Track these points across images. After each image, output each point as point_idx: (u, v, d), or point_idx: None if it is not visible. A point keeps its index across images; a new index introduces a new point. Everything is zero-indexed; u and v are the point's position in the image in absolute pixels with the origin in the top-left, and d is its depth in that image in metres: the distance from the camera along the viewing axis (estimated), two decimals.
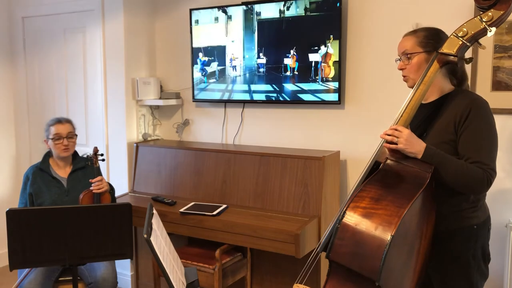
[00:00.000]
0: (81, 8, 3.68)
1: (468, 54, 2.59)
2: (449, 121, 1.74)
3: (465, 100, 1.74)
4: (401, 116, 1.74)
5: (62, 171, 2.83)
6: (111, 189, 2.88)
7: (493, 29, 1.63)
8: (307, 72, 3.05)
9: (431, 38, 1.79)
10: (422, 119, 1.84)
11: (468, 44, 1.67)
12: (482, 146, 1.70)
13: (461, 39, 1.66)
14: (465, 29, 1.66)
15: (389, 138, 1.69)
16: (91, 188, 2.72)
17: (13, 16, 4.10)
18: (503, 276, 2.58)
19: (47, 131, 2.77)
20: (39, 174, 2.79)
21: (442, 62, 1.70)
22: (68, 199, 2.76)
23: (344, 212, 1.54)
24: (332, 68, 2.96)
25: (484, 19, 1.63)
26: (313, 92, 3.04)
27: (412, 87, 1.80)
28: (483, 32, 1.65)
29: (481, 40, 1.72)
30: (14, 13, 4.10)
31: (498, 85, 2.58)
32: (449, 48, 1.68)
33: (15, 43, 4.13)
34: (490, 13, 1.62)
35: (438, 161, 1.66)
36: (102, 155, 2.87)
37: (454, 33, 1.68)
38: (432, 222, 1.73)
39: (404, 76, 1.87)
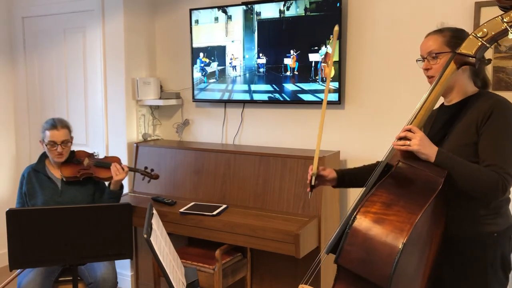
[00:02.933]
0: (81, 8, 3.68)
1: None
2: (471, 122, 1.68)
3: (488, 101, 1.68)
4: (415, 117, 1.67)
5: (57, 172, 2.82)
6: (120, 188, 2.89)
7: None
8: (307, 72, 3.05)
9: (458, 38, 1.70)
10: (444, 121, 1.78)
11: (487, 45, 1.60)
12: (500, 148, 1.62)
13: (480, 39, 1.59)
14: (485, 30, 1.59)
15: (401, 142, 1.63)
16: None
17: (13, 16, 4.10)
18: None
19: (43, 134, 2.77)
20: (34, 175, 2.79)
21: (459, 62, 1.64)
22: (61, 199, 2.75)
23: (355, 217, 1.50)
24: (332, 68, 2.96)
25: (505, 20, 1.56)
26: (313, 92, 3.04)
27: None
28: (504, 33, 1.58)
29: None
30: (14, 13, 4.10)
31: (498, 85, 2.58)
32: (467, 48, 1.61)
33: (15, 43, 4.13)
34: None
35: (451, 164, 1.60)
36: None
37: (473, 33, 1.62)
38: (442, 227, 1.68)
39: (430, 77, 1.78)
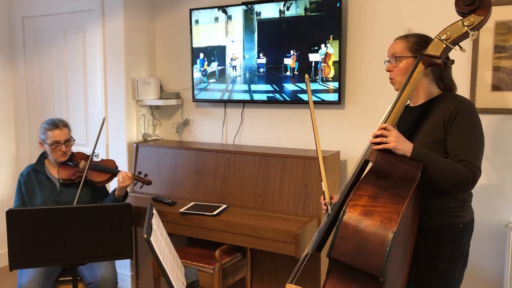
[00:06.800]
0: (81, 8, 3.68)
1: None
2: (438, 121, 1.81)
3: (453, 102, 1.81)
4: (389, 116, 1.79)
5: (56, 172, 2.82)
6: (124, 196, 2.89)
7: (475, 33, 1.70)
8: (307, 72, 3.05)
9: (421, 45, 1.85)
10: (412, 121, 1.90)
11: (451, 46, 1.74)
12: (468, 145, 1.76)
13: (445, 42, 1.73)
14: (448, 33, 1.73)
15: (378, 140, 1.73)
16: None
17: (13, 16, 4.11)
18: (503, 276, 2.58)
19: (44, 135, 2.76)
20: (33, 174, 2.79)
21: (427, 63, 1.76)
22: (59, 199, 2.75)
23: (344, 211, 1.56)
24: (332, 68, 2.96)
25: (465, 24, 1.70)
26: (313, 92, 3.04)
27: (398, 90, 1.86)
28: (465, 36, 1.72)
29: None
30: (14, 13, 4.10)
31: (498, 85, 2.58)
32: (433, 50, 1.74)
33: (15, 43, 4.13)
34: (471, 18, 1.70)
35: (426, 159, 1.71)
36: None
37: (437, 36, 1.75)
38: (418, 218, 1.80)
39: (391, 79, 1.93)
